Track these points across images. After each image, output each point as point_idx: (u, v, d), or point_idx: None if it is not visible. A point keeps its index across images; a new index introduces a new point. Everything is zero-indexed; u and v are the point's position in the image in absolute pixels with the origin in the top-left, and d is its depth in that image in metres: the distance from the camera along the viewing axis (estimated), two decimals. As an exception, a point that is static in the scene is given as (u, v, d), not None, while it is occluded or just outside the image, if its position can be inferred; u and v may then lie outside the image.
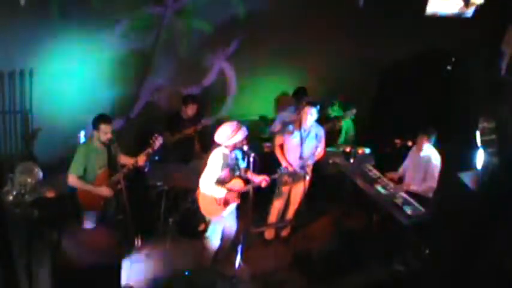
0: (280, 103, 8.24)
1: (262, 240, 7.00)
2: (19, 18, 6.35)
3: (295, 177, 6.65)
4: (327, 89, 8.13)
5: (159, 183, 6.67)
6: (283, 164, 6.58)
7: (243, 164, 5.96)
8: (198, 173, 5.80)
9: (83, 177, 5.78)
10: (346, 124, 7.84)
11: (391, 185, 6.73)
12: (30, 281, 5.13)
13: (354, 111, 7.60)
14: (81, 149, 5.84)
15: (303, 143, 6.54)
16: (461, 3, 8.01)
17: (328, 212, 7.53)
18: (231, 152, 5.74)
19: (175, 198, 6.80)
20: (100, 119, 5.74)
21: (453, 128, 7.33)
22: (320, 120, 6.83)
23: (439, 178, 6.58)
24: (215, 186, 5.66)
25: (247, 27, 7.63)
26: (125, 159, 5.97)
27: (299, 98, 7.36)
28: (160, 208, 6.55)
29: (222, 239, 6.06)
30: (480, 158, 5.31)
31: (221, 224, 5.97)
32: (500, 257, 4.33)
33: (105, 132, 5.71)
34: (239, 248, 5.90)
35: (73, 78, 6.93)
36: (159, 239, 6.56)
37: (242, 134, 5.61)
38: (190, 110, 7.18)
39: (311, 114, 6.45)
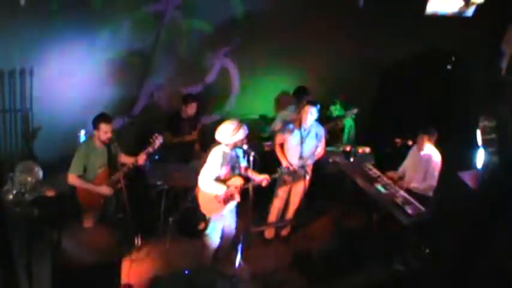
0: (281, 102, 8.23)
1: (262, 239, 7.00)
2: (19, 18, 6.34)
3: (295, 176, 6.66)
4: (327, 88, 8.14)
5: (159, 183, 6.66)
6: (284, 163, 6.58)
7: (243, 163, 5.96)
8: (198, 173, 5.80)
9: (83, 177, 5.78)
10: (348, 123, 7.84)
11: (391, 183, 6.73)
12: (30, 280, 5.14)
13: (354, 110, 7.59)
14: (82, 148, 5.85)
15: (303, 143, 6.54)
16: (462, 3, 8.01)
17: (328, 211, 7.53)
18: (231, 150, 5.75)
19: (175, 198, 6.80)
20: (100, 118, 5.75)
21: (453, 128, 7.34)
22: (321, 120, 6.83)
23: (439, 177, 6.58)
24: (214, 183, 5.67)
25: (247, 27, 7.62)
26: (125, 159, 5.97)
27: (299, 97, 7.36)
28: (160, 207, 6.55)
29: (222, 237, 6.07)
30: (480, 158, 5.32)
31: (221, 222, 5.97)
32: (500, 257, 4.33)
33: (105, 131, 5.72)
34: (239, 247, 5.89)
35: (73, 77, 6.92)
36: (159, 238, 6.56)
37: (243, 132, 5.62)
38: (190, 109, 7.18)
39: (311, 114, 6.45)
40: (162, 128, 6.73)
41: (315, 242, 6.85)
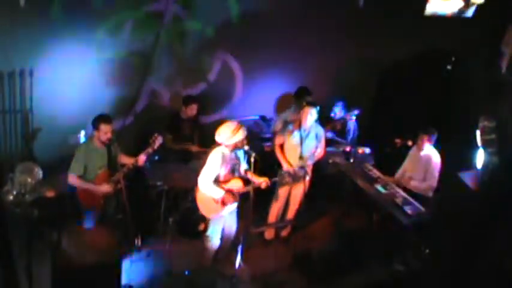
0: (282, 103, 8.23)
1: (262, 240, 6.99)
2: (19, 18, 6.35)
3: (295, 177, 6.65)
4: (327, 89, 8.13)
5: (159, 183, 6.67)
6: (284, 165, 6.58)
7: (244, 165, 5.95)
8: (197, 173, 5.79)
9: (83, 177, 5.78)
10: (351, 124, 7.81)
11: (391, 184, 6.73)
12: (30, 280, 5.14)
13: (356, 111, 7.59)
14: (81, 148, 5.85)
15: (302, 143, 6.54)
16: (461, 3, 8.01)
17: (328, 211, 7.53)
18: (231, 151, 5.74)
19: (175, 198, 6.80)
20: (100, 119, 5.75)
21: (453, 128, 7.34)
22: (323, 120, 6.82)
23: (439, 178, 6.58)
24: (213, 185, 5.66)
25: (247, 28, 7.62)
26: (125, 159, 5.97)
27: (299, 98, 7.35)
28: (160, 208, 6.55)
29: (222, 238, 6.06)
30: (480, 158, 5.32)
31: (221, 224, 5.97)
32: (500, 257, 4.33)
33: (105, 132, 5.72)
34: (239, 248, 5.90)
35: (73, 78, 6.92)
36: (159, 238, 6.55)
37: (242, 133, 5.61)
38: (190, 111, 7.17)
39: (311, 115, 6.45)
40: (162, 129, 6.73)
41: (315, 243, 6.85)
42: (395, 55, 8.22)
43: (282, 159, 6.64)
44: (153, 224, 6.71)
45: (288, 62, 8.01)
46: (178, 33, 7.42)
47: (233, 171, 5.85)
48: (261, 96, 8.18)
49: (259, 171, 5.90)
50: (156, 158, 6.75)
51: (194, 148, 7.20)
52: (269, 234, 7.05)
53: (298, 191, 6.78)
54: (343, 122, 7.64)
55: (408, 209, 6.18)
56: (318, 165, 6.98)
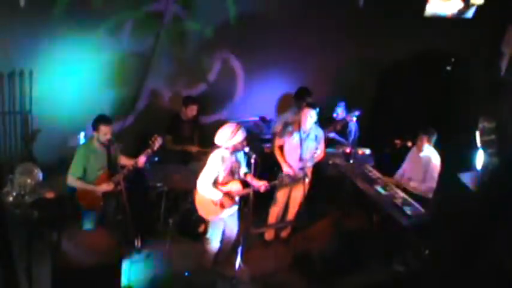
0: (282, 103, 8.23)
1: (262, 241, 7.00)
2: (19, 19, 6.35)
3: (295, 179, 6.64)
4: (327, 89, 8.13)
5: (159, 184, 6.67)
6: (284, 167, 6.57)
7: (244, 168, 5.95)
8: (197, 175, 5.79)
9: (83, 179, 5.77)
10: (353, 125, 7.80)
11: (391, 185, 6.72)
12: (30, 281, 5.15)
13: (357, 112, 7.58)
14: (81, 150, 5.84)
15: (302, 145, 6.53)
16: (461, 4, 8.00)
17: (328, 212, 7.51)
18: (231, 154, 5.74)
19: (175, 199, 6.80)
20: (100, 120, 5.74)
21: (453, 128, 7.32)
22: (326, 121, 6.81)
23: (439, 178, 6.57)
24: (212, 188, 5.66)
25: (247, 28, 7.62)
26: (124, 160, 5.97)
27: (299, 99, 7.35)
28: (160, 209, 6.55)
29: (222, 241, 6.05)
30: (480, 159, 5.30)
31: (220, 226, 5.96)
32: (500, 257, 4.33)
33: (105, 133, 5.71)
34: (239, 249, 5.90)
35: (73, 79, 6.92)
36: (158, 239, 6.55)
37: (241, 135, 5.61)
38: (190, 112, 7.17)
39: (310, 116, 6.44)
40: (162, 130, 6.73)
41: (314, 243, 6.83)
42: (395, 55, 8.21)
43: (281, 161, 6.64)
44: (153, 225, 6.71)
45: (287, 62, 8.01)
46: (178, 33, 7.42)
47: (233, 173, 5.84)
48: (261, 96, 8.18)
49: (259, 173, 5.89)
50: (156, 159, 6.75)
51: (194, 149, 7.21)
52: (269, 235, 7.05)
53: (297, 193, 6.77)
54: (345, 122, 7.63)
55: (408, 210, 6.18)
56: (318, 167, 6.97)
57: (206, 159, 5.76)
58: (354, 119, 7.59)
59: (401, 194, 6.51)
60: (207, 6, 7.39)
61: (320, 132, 6.69)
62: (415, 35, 7.95)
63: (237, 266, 5.94)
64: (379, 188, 6.67)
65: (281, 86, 8.21)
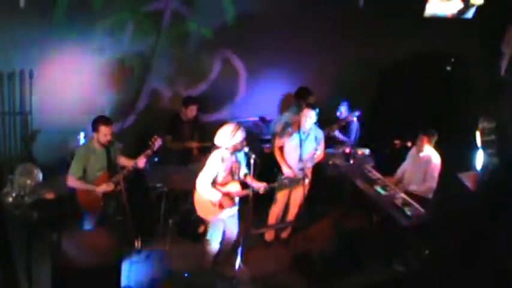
0: (282, 103, 8.24)
1: (262, 241, 6.99)
2: (19, 19, 6.35)
3: (295, 180, 6.63)
4: (326, 89, 8.13)
5: (158, 185, 6.67)
6: (284, 168, 6.57)
7: (244, 169, 5.95)
8: (197, 175, 5.79)
9: (82, 179, 5.76)
10: (355, 125, 7.80)
11: (391, 186, 6.72)
12: (30, 282, 5.14)
13: (357, 112, 7.58)
14: (81, 150, 5.84)
15: (302, 145, 6.53)
16: (461, 5, 8.00)
17: (328, 213, 7.51)
18: (232, 154, 5.74)
19: (175, 200, 6.80)
20: (99, 121, 5.73)
21: (453, 128, 7.33)
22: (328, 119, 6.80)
23: (439, 179, 6.57)
24: (210, 188, 5.66)
25: (247, 28, 7.62)
26: (124, 161, 5.96)
27: (299, 99, 7.35)
28: (160, 209, 6.55)
29: (222, 242, 6.04)
30: (480, 159, 5.29)
31: (220, 227, 5.95)
32: (500, 257, 4.32)
33: (105, 133, 5.70)
34: (239, 250, 5.89)
35: (73, 79, 6.93)
36: (158, 240, 6.55)
37: (241, 135, 5.61)
38: (190, 112, 7.16)
39: (310, 117, 6.44)
40: (162, 131, 6.73)
41: (315, 244, 6.84)
42: (395, 55, 8.21)
43: (281, 162, 6.63)
44: (152, 226, 6.71)
45: (287, 62, 8.01)
46: (178, 33, 7.42)
47: (232, 174, 5.84)
48: (260, 97, 8.18)
49: (258, 173, 5.89)
50: (156, 159, 6.75)
51: (194, 144, 7.19)
52: (269, 235, 7.04)
53: (297, 194, 6.77)
54: (347, 122, 7.63)
55: (408, 210, 6.18)
56: (318, 167, 6.97)
57: (206, 160, 5.76)
58: (355, 118, 7.59)
59: (401, 195, 6.51)
60: (207, 5, 7.39)
61: (320, 133, 6.69)
62: (415, 35, 7.95)
63: (237, 266, 5.93)
64: (379, 188, 6.66)
65: (281, 86, 8.21)
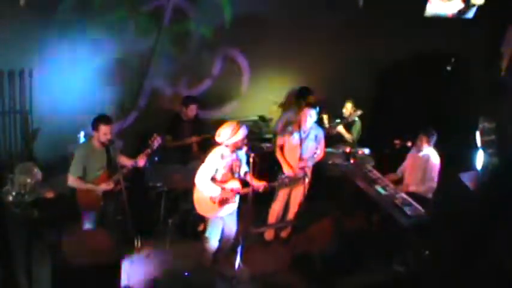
0: (283, 103, 8.24)
1: (262, 241, 6.99)
2: (19, 18, 6.35)
3: (295, 179, 6.63)
4: (326, 89, 8.13)
5: (158, 184, 6.67)
6: (284, 167, 6.57)
7: (245, 167, 5.95)
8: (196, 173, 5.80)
9: (82, 178, 5.76)
10: (357, 125, 7.79)
11: (391, 185, 6.72)
12: (29, 281, 5.14)
13: (358, 112, 7.59)
14: (81, 149, 5.83)
15: (302, 144, 6.53)
16: (461, 5, 8.01)
17: (328, 212, 7.50)
18: (232, 152, 5.74)
19: (175, 199, 6.80)
20: (99, 120, 5.72)
21: (453, 128, 7.33)
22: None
23: (439, 178, 6.57)
24: (209, 183, 5.66)
25: (247, 28, 7.62)
26: (124, 160, 5.96)
27: (300, 98, 7.35)
28: (159, 209, 6.55)
29: (221, 240, 6.05)
30: (480, 159, 5.33)
31: (219, 225, 5.96)
32: (500, 257, 4.33)
33: (105, 132, 5.69)
34: (239, 249, 5.89)
35: (73, 78, 6.92)
36: (158, 239, 6.55)
37: (242, 133, 5.62)
38: (190, 112, 7.15)
39: (310, 116, 6.45)
40: (162, 130, 6.72)
41: (314, 244, 6.83)
42: (395, 55, 8.21)
43: (282, 161, 6.63)
44: (152, 225, 6.70)
45: (287, 62, 8.02)
46: (179, 31, 7.42)
47: (233, 172, 5.85)
48: (261, 96, 8.18)
49: (258, 172, 5.89)
50: (156, 159, 6.74)
51: (194, 139, 7.18)
52: (269, 235, 7.04)
53: (298, 193, 6.77)
54: (349, 121, 7.64)
55: (408, 210, 6.17)
56: (318, 166, 6.97)
57: (205, 158, 5.76)
58: (356, 118, 7.60)
59: (401, 194, 6.50)
60: (207, 7, 7.40)
61: (320, 132, 6.69)
62: (415, 35, 7.95)
63: (236, 265, 5.93)
64: (379, 188, 6.66)
65: (281, 86, 8.21)
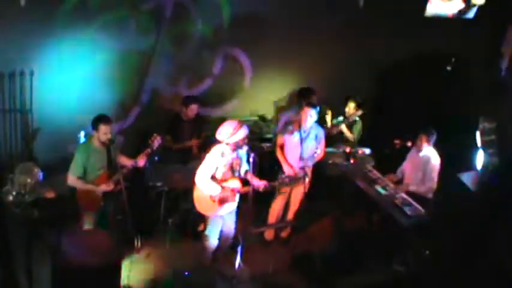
0: (283, 103, 8.24)
1: (262, 241, 6.99)
2: (19, 19, 6.35)
3: (295, 179, 6.63)
4: (326, 89, 8.12)
5: (158, 184, 6.67)
6: (284, 167, 6.57)
7: (245, 166, 5.96)
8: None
9: (83, 178, 5.76)
10: (358, 124, 7.79)
11: (391, 185, 6.72)
12: (29, 281, 5.14)
13: (359, 112, 7.59)
14: (81, 149, 5.84)
15: (302, 144, 6.53)
16: (462, 5, 8.01)
17: (328, 212, 7.51)
18: (233, 151, 5.75)
19: (175, 199, 6.80)
20: (99, 120, 5.73)
21: (453, 128, 7.33)
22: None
23: (439, 179, 6.57)
24: (210, 182, 5.67)
25: (247, 27, 7.62)
26: (124, 160, 5.96)
27: (301, 98, 7.35)
28: (159, 208, 6.55)
29: (220, 238, 6.06)
30: (480, 159, 5.33)
31: (219, 223, 5.97)
32: (500, 257, 4.33)
33: (105, 132, 5.70)
34: (239, 249, 5.89)
35: (73, 78, 6.93)
36: (158, 239, 6.55)
37: (243, 132, 5.63)
38: (190, 112, 7.14)
39: (310, 116, 6.44)
40: (162, 130, 6.72)
41: (314, 244, 6.84)
42: (395, 55, 8.21)
43: (282, 161, 6.64)
44: (152, 225, 6.71)
45: (287, 61, 8.01)
46: (180, 29, 7.41)
47: (233, 170, 5.85)
48: (261, 96, 8.18)
49: (259, 171, 5.88)
50: (156, 158, 6.74)
51: (194, 142, 7.18)
52: (269, 234, 7.04)
53: (298, 192, 6.77)
54: (351, 120, 7.64)
55: (408, 210, 6.17)
56: (318, 166, 6.97)
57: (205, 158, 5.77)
58: (357, 118, 7.60)
59: (401, 194, 6.50)
60: (207, 6, 7.40)
61: (320, 132, 6.69)
62: (415, 35, 7.95)
63: (237, 265, 5.93)
64: (379, 188, 6.66)
65: (281, 86, 8.21)
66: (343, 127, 7.59)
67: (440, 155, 6.64)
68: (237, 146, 5.72)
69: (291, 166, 6.58)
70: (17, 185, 5.34)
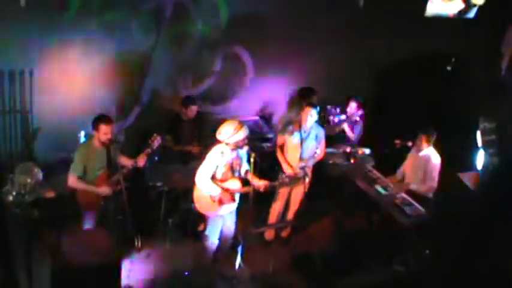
0: (283, 103, 8.25)
1: (262, 241, 6.99)
2: (19, 18, 6.35)
3: (295, 179, 6.64)
4: (326, 89, 8.12)
5: (158, 184, 6.67)
6: (284, 167, 6.57)
7: (246, 166, 5.96)
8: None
9: (83, 178, 5.76)
10: (359, 123, 7.80)
11: (391, 185, 6.72)
12: (29, 281, 5.14)
13: (359, 112, 7.59)
14: (81, 149, 5.83)
15: (302, 144, 6.53)
16: (462, 5, 8.01)
17: (328, 212, 7.51)
18: (233, 150, 5.75)
19: (175, 199, 6.80)
20: (100, 120, 5.72)
21: (453, 128, 7.33)
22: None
23: (439, 178, 6.57)
24: (210, 182, 5.67)
25: (246, 27, 7.62)
26: (124, 160, 5.96)
27: (301, 98, 7.35)
28: (160, 209, 6.55)
29: (220, 238, 6.06)
30: (480, 159, 5.32)
31: (219, 223, 5.97)
32: (500, 257, 4.33)
33: (105, 132, 5.69)
34: (239, 249, 5.89)
35: (73, 78, 6.92)
36: (158, 239, 6.55)
37: (243, 132, 5.63)
38: (190, 112, 7.13)
39: (311, 116, 6.45)
40: (162, 130, 6.72)
41: (314, 244, 6.84)
42: (395, 55, 8.22)
43: (282, 161, 6.64)
44: (152, 225, 6.70)
45: (287, 62, 8.01)
46: (180, 29, 7.41)
47: (233, 170, 5.85)
48: (262, 95, 8.18)
49: (259, 171, 5.88)
50: (156, 158, 6.74)
51: (194, 149, 7.18)
52: (269, 234, 7.04)
53: (298, 192, 6.77)
54: (352, 120, 7.65)
55: (408, 210, 6.18)
56: (318, 166, 6.97)
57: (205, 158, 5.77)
58: (357, 118, 7.60)
59: (402, 194, 6.51)
60: (207, 6, 7.40)
61: (321, 132, 6.70)
62: (415, 35, 7.96)
63: (237, 265, 5.93)
64: (379, 188, 6.66)
65: (281, 86, 8.21)
66: (345, 126, 7.60)
67: (441, 155, 6.64)
68: (237, 146, 5.73)
69: (291, 166, 6.58)
70: (17, 185, 5.35)
